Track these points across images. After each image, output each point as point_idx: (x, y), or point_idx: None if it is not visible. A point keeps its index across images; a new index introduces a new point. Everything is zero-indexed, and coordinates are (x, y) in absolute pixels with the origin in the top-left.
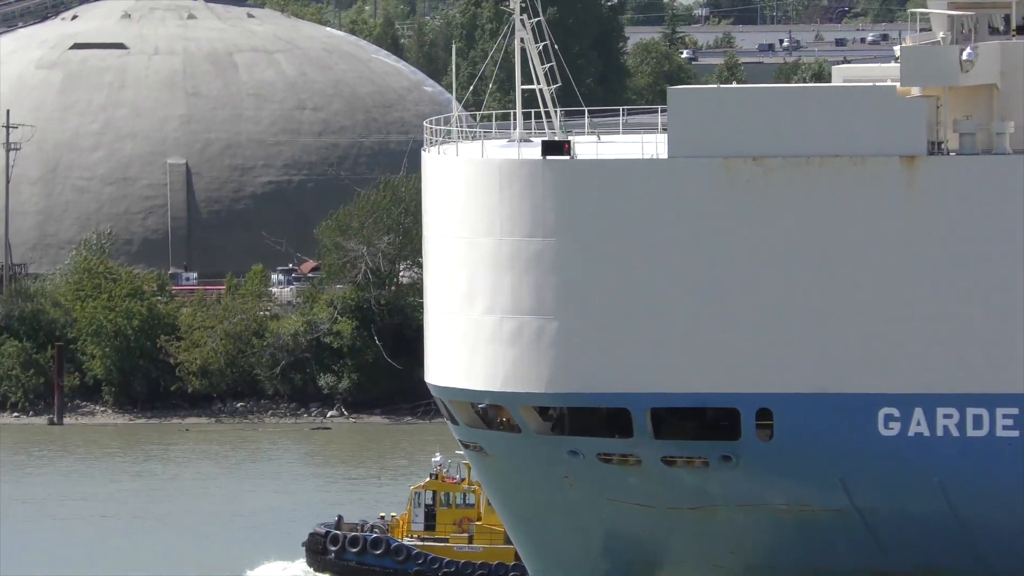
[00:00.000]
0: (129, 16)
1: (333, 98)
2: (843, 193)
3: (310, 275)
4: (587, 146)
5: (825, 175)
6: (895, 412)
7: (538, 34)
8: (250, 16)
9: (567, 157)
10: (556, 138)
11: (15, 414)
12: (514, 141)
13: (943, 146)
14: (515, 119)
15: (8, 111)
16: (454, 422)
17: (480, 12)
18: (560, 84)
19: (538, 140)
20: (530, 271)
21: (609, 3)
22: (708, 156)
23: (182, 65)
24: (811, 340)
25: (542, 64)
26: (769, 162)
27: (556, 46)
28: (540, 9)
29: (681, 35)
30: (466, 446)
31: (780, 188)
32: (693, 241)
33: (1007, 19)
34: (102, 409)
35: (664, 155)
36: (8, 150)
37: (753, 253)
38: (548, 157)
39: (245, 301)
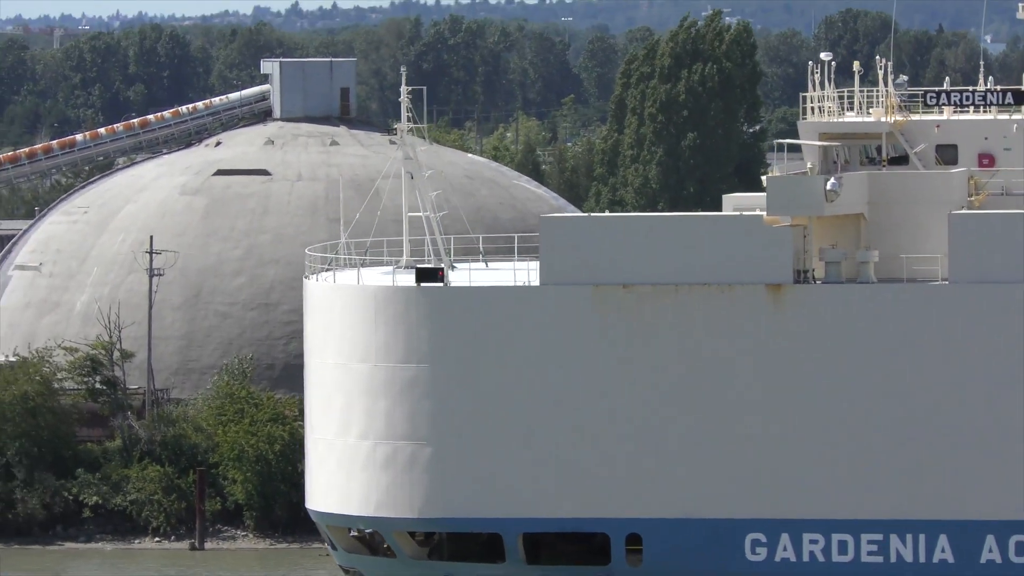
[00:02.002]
0: (272, 142)
1: (474, 224)
2: (711, 320)
3: None
4: (461, 273)
5: (693, 303)
6: (762, 537)
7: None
8: (392, 143)
9: (440, 284)
10: (436, 265)
11: (156, 539)
12: (401, 267)
13: (809, 274)
14: (405, 246)
15: (152, 237)
16: (334, 547)
17: (622, 139)
18: (447, 211)
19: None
20: (404, 397)
21: (751, 129)
22: (578, 283)
23: (325, 191)
24: (679, 466)
25: (429, 191)
26: (638, 289)
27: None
28: (679, 135)
29: None
30: (346, 572)
31: (649, 315)
32: (564, 367)
33: (879, 150)
34: (243, 534)
35: (536, 282)
36: (151, 276)
37: (623, 380)
38: (422, 284)
39: None
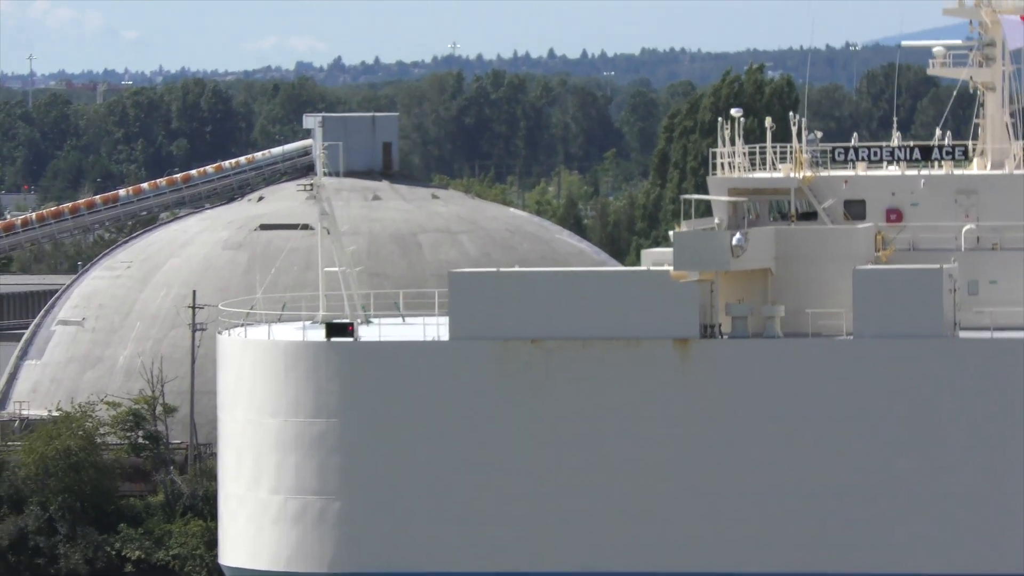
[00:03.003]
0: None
1: None
2: (618, 375)
3: None
4: (372, 328)
5: (601, 358)
6: None
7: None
8: (434, 197)
9: (350, 339)
10: (345, 320)
11: None
12: (316, 323)
13: (716, 329)
14: (321, 301)
15: (195, 291)
16: None
17: (664, 193)
18: (362, 267)
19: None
20: (314, 452)
21: None
22: (487, 338)
23: (367, 245)
24: (588, 520)
25: (344, 248)
26: (547, 344)
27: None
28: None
29: None
30: None
31: (557, 370)
32: (474, 422)
33: (789, 204)
34: None
35: (445, 337)
36: (194, 330)
37: (532, 435)
38: (332, 339)
39: None
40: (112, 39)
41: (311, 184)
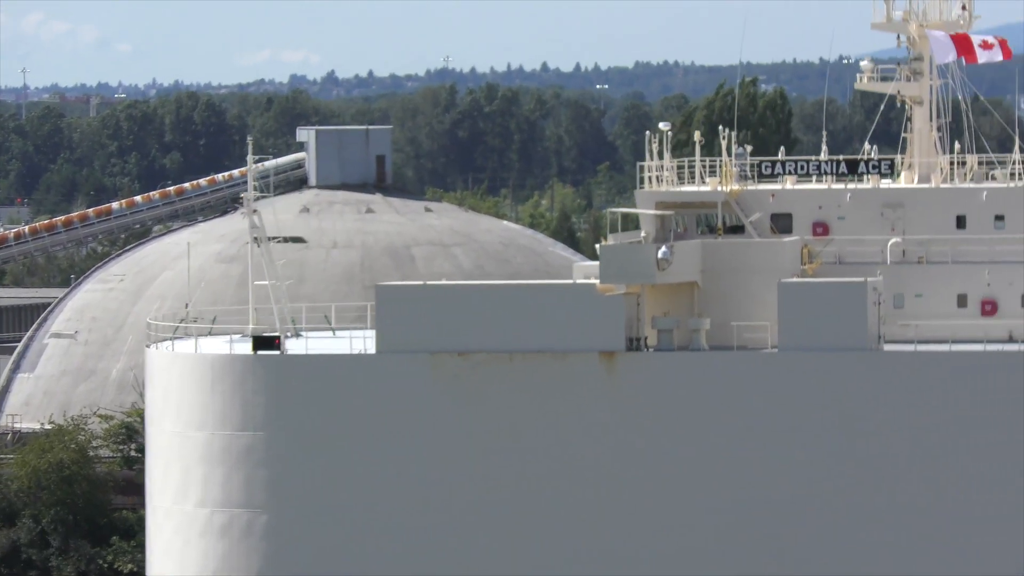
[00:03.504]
0: (308, 210)
1: None
2: (545, 388)
3: None
4: (299, 342)
5: (528, 370)
6: None
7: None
8: (428, 210)
9: (277, 352)
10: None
11: None
12: (246, 336)
13: (642, 342)
14: (250, 314)
15: (187, 304)
16: None
17: None
18: (292, 281)
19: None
20: (240, 465)
21: None
22: (415, 351)
23: (360, 258)
24: (515, 532)
25: (274, 261)
26: (474, 357)
27: None
28: None
29: None
30: None
31: (485, 383)
32: (401, 435)
33: (723, 218)
34: None
35: (372, 350)
36: None
37: (459, 447)
38: (258, 352)
39: None
40: (106, 52)
41: (241, 197)
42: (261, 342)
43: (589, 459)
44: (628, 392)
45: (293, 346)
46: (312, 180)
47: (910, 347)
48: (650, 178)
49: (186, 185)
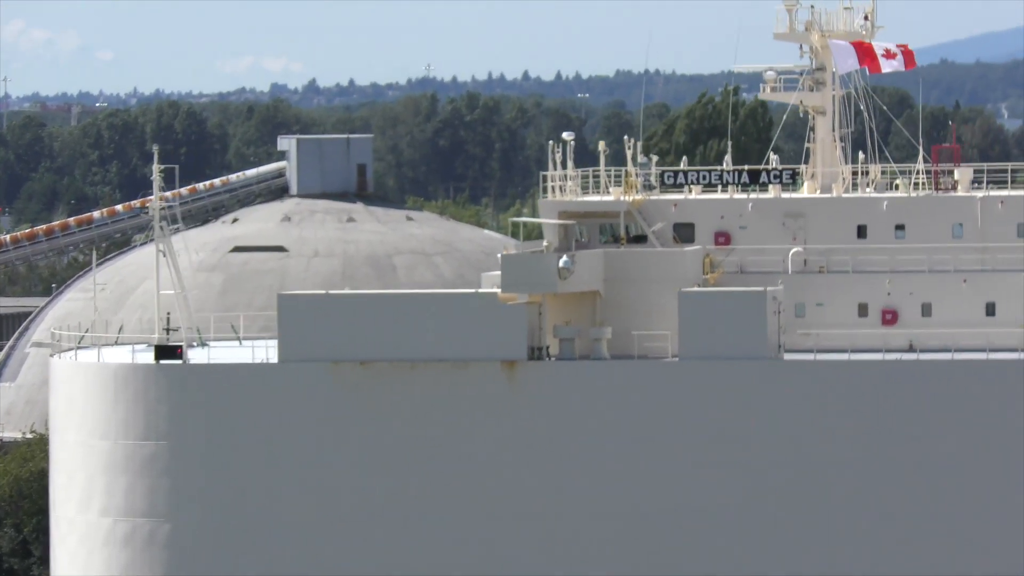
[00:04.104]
0: (289, 219)
1: None
2: (447, 397)
3: None
4: (201, 351)
5: (429, 379)
6: None
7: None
8: (409, 219)
9: (179, 362)
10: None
11: None
12: (150, 346)
13: (544, 351)
14: (156, 324)
15: (168, 314)
16: None
17: None
18: (196, 290)
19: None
20: (143, 474)
21: None
22: (317, 360)
23: (341, 267)
24: (416, 539)
25: (179, 271)
26: (376, 366)
27: None
28: None
29: None
30: None
31: (387, 392)
32: (303, 444)
33: (627, 228)
34: None
35: (274, 359)
36: None
37: (361, 455)
38: (161, 362)
39: None
40: (87, 60)
41: (147, 206)
42: (163, 351)
43: (491, 468)
44: (529, 401)
45: (196, 355)
46: (293, 189)
47: (810, 356)
48: (553, 188)
49: (167, 194)
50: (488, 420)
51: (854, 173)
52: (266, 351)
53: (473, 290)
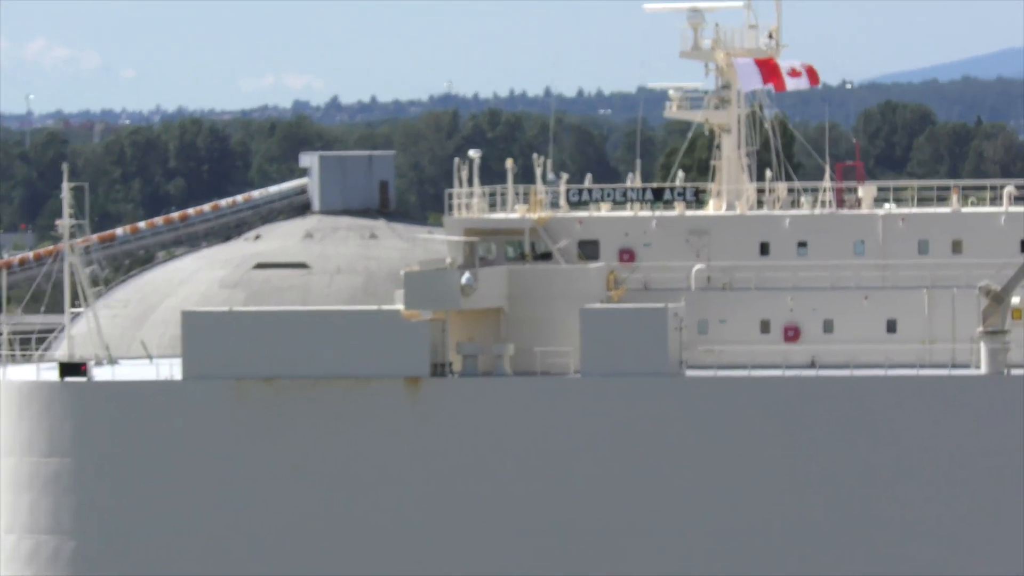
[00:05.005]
0: (311, 236)
1: None
2: (351, 414)
3: None
4: (106, 368)
5: (333, 396)
6: None
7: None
8: (431, 235)
9: (84, 379)
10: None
11: None
12: (55, 363)
13: (447, 368)
14: (67, 341)
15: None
16: None
17: None
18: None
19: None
20: (48, 491)
21: None
22: (221, 378)
23: (363, 284)
24: (321, 555)
25: (91, 288)
26: (280, 383)
27: None
28: None
29: None
30: None
31: (291, 409)
32: (207, 461)
33: (532, 245)
34: None
35: (179, 377)
36: None
37: (266, 473)
38: (65, 379)
39: None
40: (109, 78)
41: (57, 225)
42: (68, 368)
43: (394, 484)
44: (433, 418)
45: (101, 373)
46: (315, 206)
47: (711, 372)
48: (459, 205)
49: (190, 211)
50: (391, 437)
51: (760, 191)
52: (170, 368)
53: (376, 307)
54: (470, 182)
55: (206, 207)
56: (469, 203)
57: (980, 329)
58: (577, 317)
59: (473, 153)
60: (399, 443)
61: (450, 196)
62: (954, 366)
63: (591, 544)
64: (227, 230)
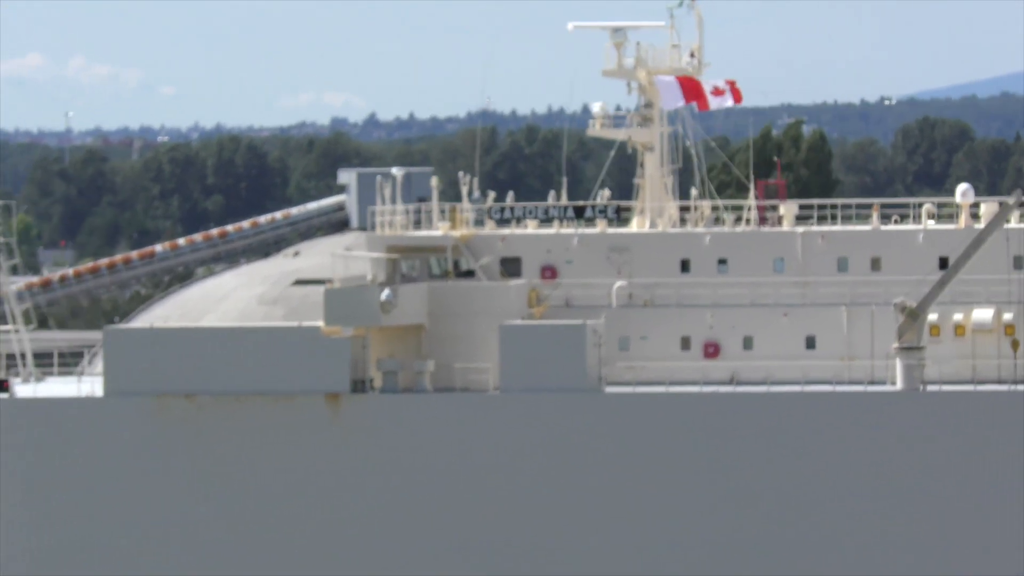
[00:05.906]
0: (350, 251)
1: None
2: (271, 431)
3: None
4: (29, 385)
5: (254, 413)
6: None
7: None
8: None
9: (5, 395)
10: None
11: None
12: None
13: (368, 384)
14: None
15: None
16: None
17: None
18: (35, 325)
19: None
20: None
21: None
22: (142, 394)
23: None
24: (242, 570)
25: (17, 307)
26: (201, 400)
27: None
28: None
29: None
30: None
31: (212, 426)
32: (128, 478)
33: (455, 263)
34: None
35: (99, 393)
36: None
37: (187, 490)
38: None
39: None
40: (148, 95)
41: None
42: None
43: (315, 500)
44: (353, 434)
45: (23, 389)
46: (354, 222)
47: (630, 388)
48: (382, 223)
49: (228, 228)
50: (312, 453)
51: (685, 209)
52: (92, 385)
53: (296, 323)
54: (392, 200)
55: (245, 224)
56: (392, 220)
57: (895, 345)
58: (495, 333)
59: (396, 171)
60: (320, 459)
61: (372, 213)
62: (871, 383)
63: (511, 560)
64: (266, 247)
